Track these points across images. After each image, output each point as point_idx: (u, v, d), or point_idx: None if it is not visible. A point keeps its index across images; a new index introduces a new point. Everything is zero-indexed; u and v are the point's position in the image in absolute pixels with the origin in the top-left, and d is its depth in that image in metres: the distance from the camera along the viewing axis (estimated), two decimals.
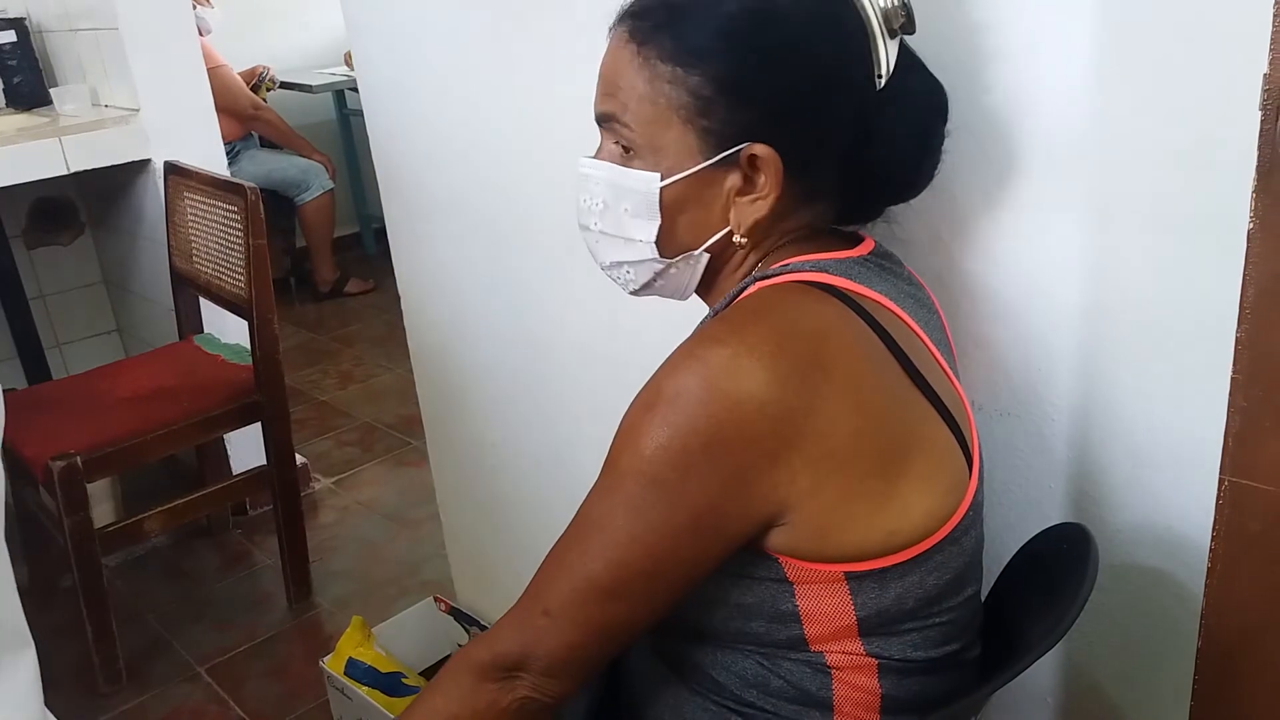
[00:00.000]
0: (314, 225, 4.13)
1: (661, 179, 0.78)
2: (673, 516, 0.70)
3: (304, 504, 2.67)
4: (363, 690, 1.70)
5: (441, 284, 1.66)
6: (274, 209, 4.11)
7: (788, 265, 0.79)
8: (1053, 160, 0.88)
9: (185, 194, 2.26)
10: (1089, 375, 0.91)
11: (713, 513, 0.70)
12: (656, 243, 0.82)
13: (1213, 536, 0.70)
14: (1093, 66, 0.83)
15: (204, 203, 2.18)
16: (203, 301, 2.35)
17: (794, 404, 0.69)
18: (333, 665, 1.77)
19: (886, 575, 0.74)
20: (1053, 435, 0.95)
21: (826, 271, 0.78)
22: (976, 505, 0.80)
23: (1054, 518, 0.98)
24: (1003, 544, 0.96)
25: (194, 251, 2.26)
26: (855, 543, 0.73)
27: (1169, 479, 0.89)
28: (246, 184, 2.02)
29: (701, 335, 0.74)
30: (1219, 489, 0.68)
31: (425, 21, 1.45)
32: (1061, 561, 0.82)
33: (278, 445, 2.14)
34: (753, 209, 0.79)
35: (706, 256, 0.82)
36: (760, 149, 0.76)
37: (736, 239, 0.80)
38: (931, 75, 0.83)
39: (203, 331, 2.41)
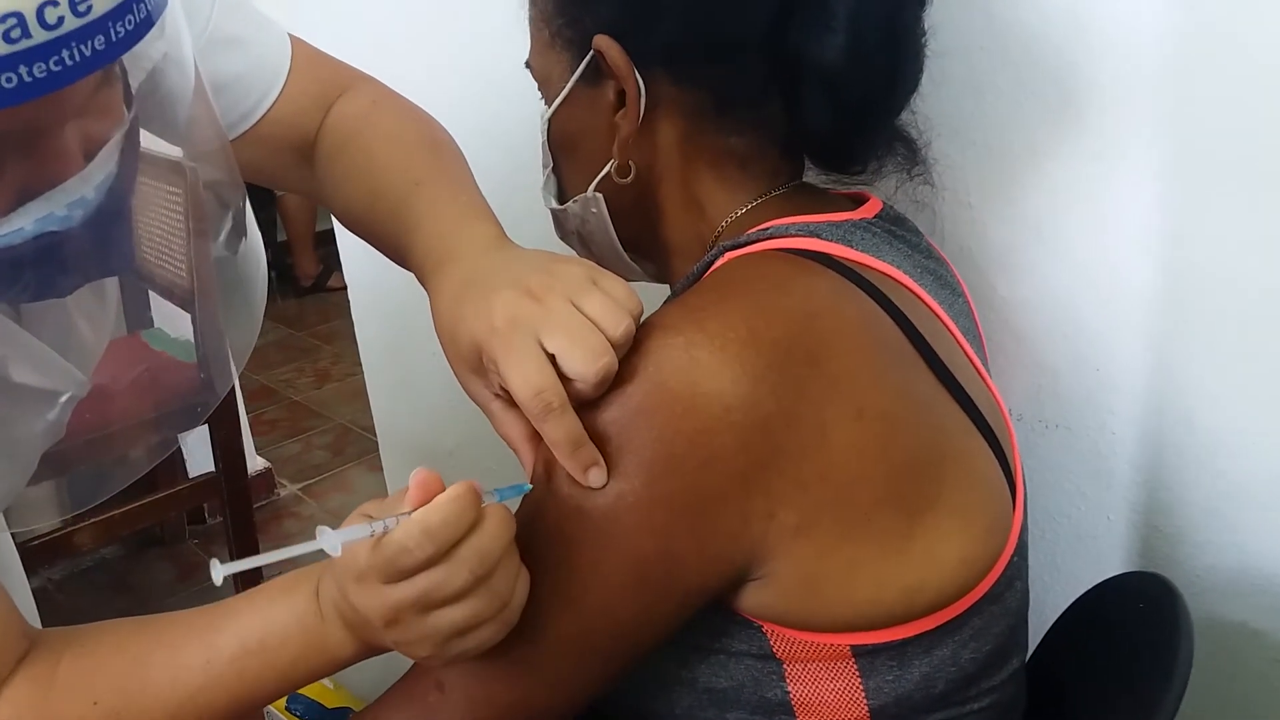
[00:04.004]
0: (295, 217, 4.06)
1: (548, 110, 0.69)
2: (605, 561, 0.55)
3: (267, 512, 2.55)
4: None
5: (391, 278, 1.50)
6: (254, 200, 3.95)
7: (767, 229, 0.63)
8: (1116, 97, 0.72)
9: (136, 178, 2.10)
10: (1160, 377, 0.77)
11: (661, 559, 0.54)
12: (556, 191, 0.72)
13: None
14: None
15: (146, 184, 2.02)
16: (153, 295, 2.20)
17: (771, 409, 0.53)
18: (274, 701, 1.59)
19: (908, 650, 0.57)
20: (1112, 454, 0.80)
21: (819, 236, 0.61)
22: (1022, 547, 0.63)
23: (1113, 559, 0.82)
24: (1046, 595, 0.79)
25: (140, 240, 2.10)
26: (864, 603, 0.56)
27: (1265, 511, 0.75)
28: (186, 163, 1.84)
29: (651, 323, 0.57)
30: None
31: None
32: (1137, 626, 0.63)
33: (226, 450, 2.00)
34: (623, 125, 0.65)
35: (600, 199, 0.69)
36: (599, 39, 0.63)
37: (613, 169, 0.67)
38: None
39: (152, 326, 2.25)
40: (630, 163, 0.65)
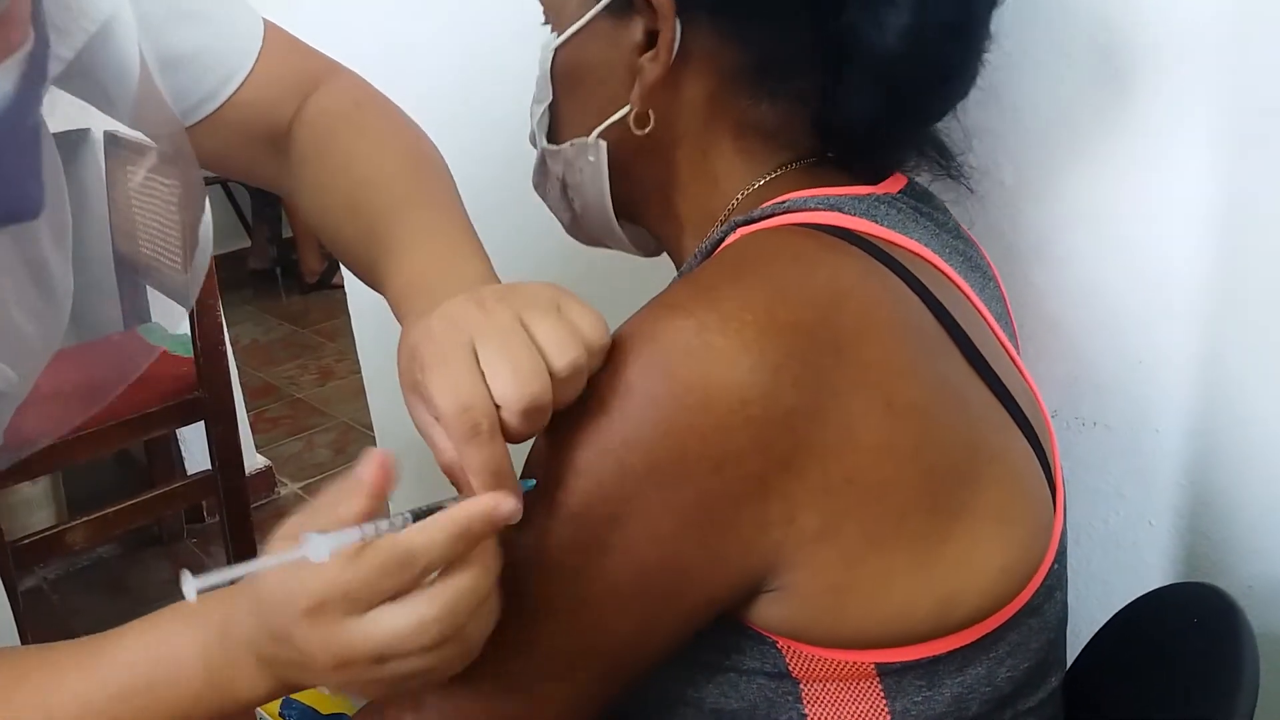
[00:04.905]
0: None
1: (555, 39, 0.62)
2: (603, 572, 0.49)
3: (267, 511, 2.50)
4: None
5: None
6: (259, 196, 3.99)
7: (784, 203, 0.56)
8: (1165, 65, 0.65)
9: (128, 168, 2.06)
10: (1209, 370, 0.70)
11: (666, 569, 0.48)
12: (547, 129, 0.64)
13: None
14: None
15: (142, 175, 1.98)
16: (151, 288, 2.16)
17: (792, 402, 0.47)
18: (265, 705, 1.54)
19: (939, 668, 0.52)
20: (1156, 453, 0.73)
21: (841, 210, 0.55)
22: (1062, 554, 0.57)
23: (1154, 568, 0.75)
24: (1080, 607, 0.74)
25: (138, 231, 2.06)
26: (892, 616, 0.51)
27: None
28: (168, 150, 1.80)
29: (656, 303, 0.51)
30: None
31: None
32: (1190, 643, 0.57)
33: (222, 447, 1.95)
34: (650, 69, 0.58)
35: (602, 146, 0.62)
36: None
37: (631, 116, 0.60)
38: None
39: (150, 321, 2.21)
40: (650, 113, 0.59)
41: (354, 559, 0.41)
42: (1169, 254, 0.69)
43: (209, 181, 3.69)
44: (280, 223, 4.13)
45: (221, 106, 0.67)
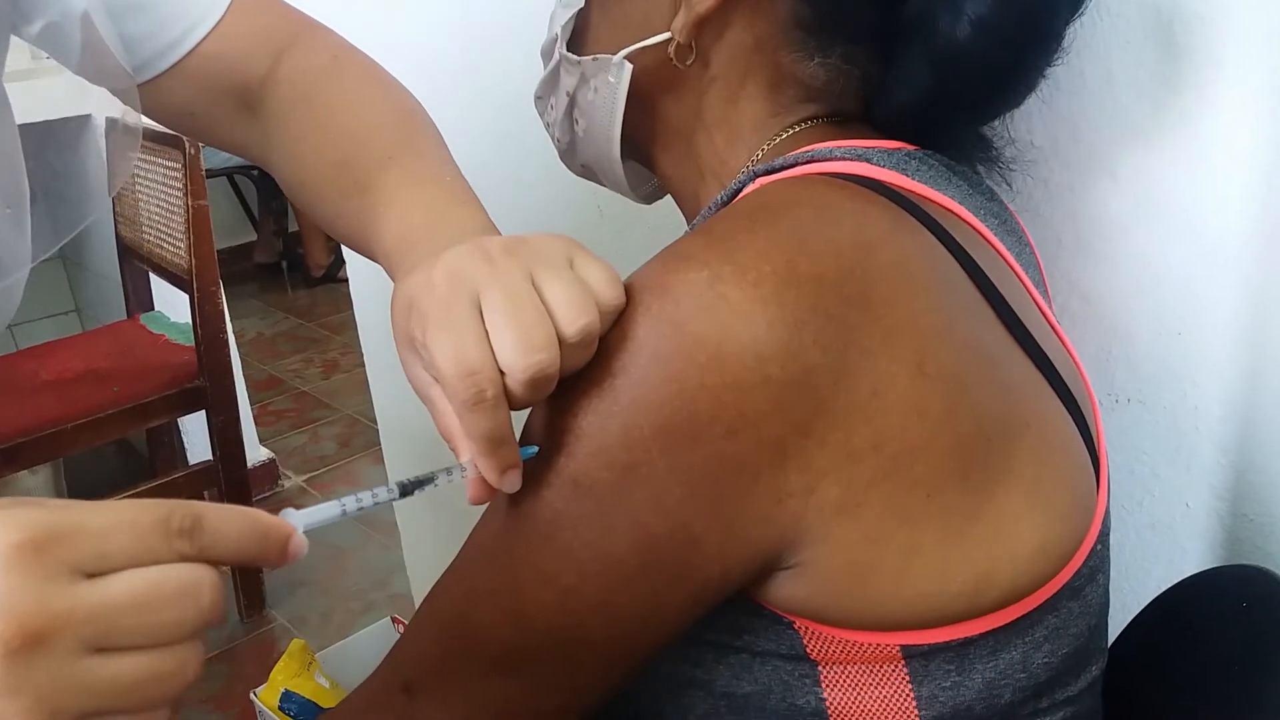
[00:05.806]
0: None
1: None
2: (606, 543, 0.45)
3: (271, 504, 2.48)
4: None
5: None
6: (265, 190, 3.97)
7: (808, 152, 0.53)
8: (1206, 12, 0.61)
9: (129, 154, 2.03)
10: (1252, 343, 0.65)
11: (674, 543, 0.44)
12: (570, 36, 0.59)
13: None
14: None
15: (144, 161, 1.95)
16: (154, 276, 2.14)
17: (814, 361, 0.43)
18: (265, 698, 1.51)
19: (970, 651, 0.48)
20: (1194, 431, 0.69)
21: (869, 161, 0.51)
22: (1105, 534, 0.53)
23: (1191, 552, 0.71)
24: (1114, 594, 0.68)
25: (140, 218, 2.04)
26: (919, 596, 0.47)
27: None
28: (185, 137, 1.78)
29: (667, 254, 0.47)
30: None
31: None
32: (1239, 630, 0.53)
33: (223, 437, 1.93)
34: (702, 1, 0.54)
35: (627, 69, 0.57)
36: None
37: (671, 47, 0.56)
38: None
39: (153, 309, 2.19)
40: (693, 47, 0.55)
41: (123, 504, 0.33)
42: (1210, 217, 0.64)
43: (214, 174, 3.67)
44: (286, 216, 4.12)
45: (187, 56, 0.64)
